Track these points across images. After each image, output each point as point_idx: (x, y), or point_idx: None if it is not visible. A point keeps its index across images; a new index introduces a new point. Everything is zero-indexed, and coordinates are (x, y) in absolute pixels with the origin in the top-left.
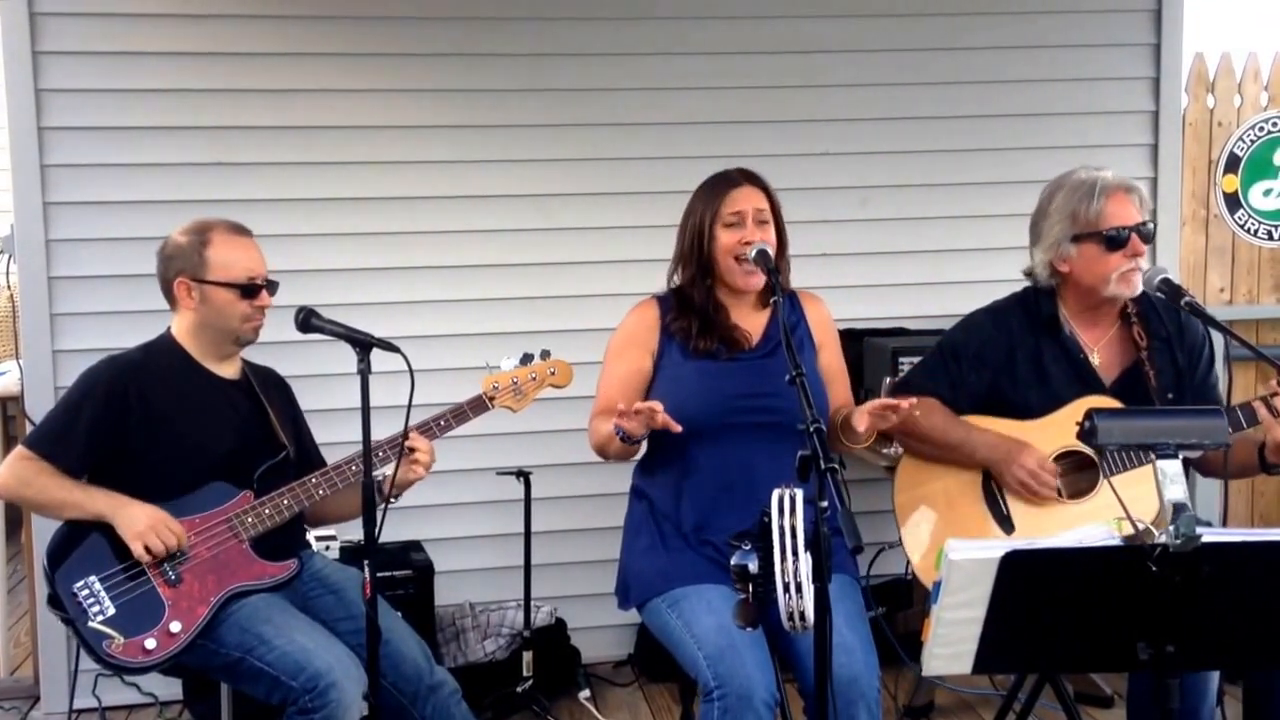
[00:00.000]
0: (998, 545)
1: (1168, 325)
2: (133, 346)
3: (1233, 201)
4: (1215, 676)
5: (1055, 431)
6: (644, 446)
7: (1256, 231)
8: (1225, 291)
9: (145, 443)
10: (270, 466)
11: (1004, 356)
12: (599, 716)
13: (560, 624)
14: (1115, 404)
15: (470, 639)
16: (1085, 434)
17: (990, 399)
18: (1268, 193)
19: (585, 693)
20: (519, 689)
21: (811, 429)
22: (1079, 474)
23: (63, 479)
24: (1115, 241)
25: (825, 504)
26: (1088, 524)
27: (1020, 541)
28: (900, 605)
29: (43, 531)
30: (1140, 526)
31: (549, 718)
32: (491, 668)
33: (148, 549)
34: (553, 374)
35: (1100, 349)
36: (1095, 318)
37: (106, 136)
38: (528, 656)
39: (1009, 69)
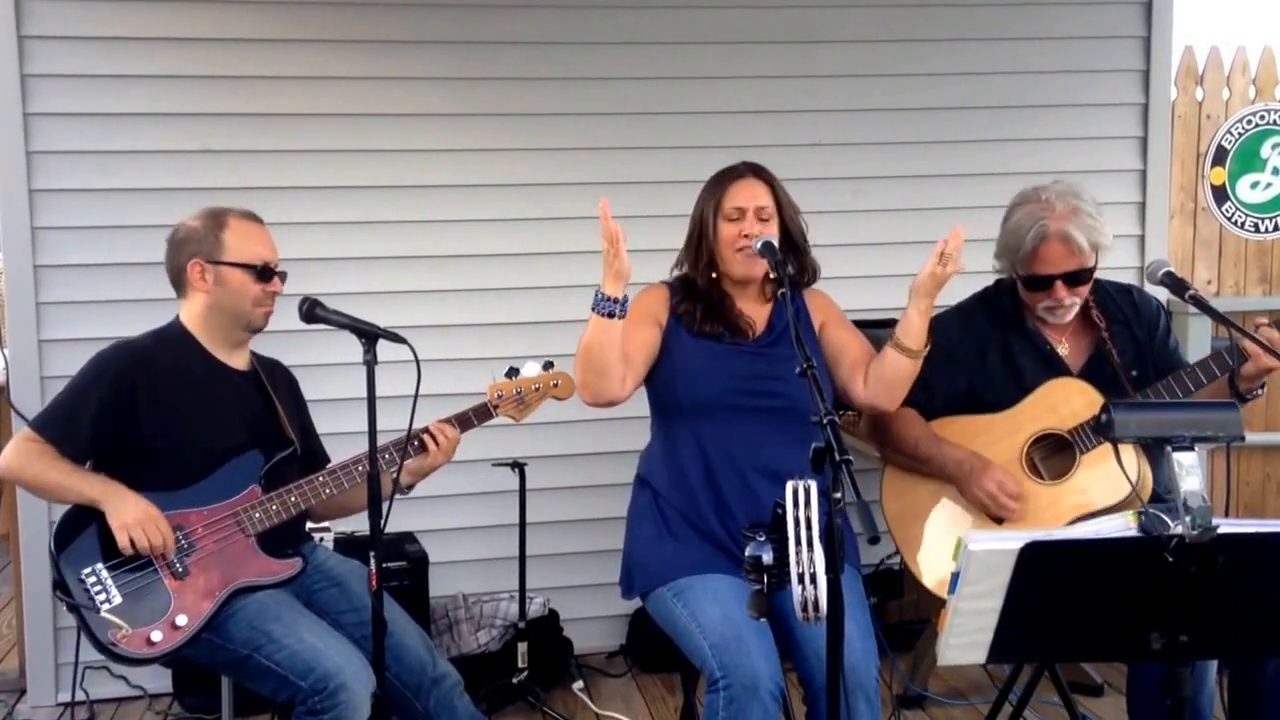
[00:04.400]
0: (1017, 536)
1: (1124, 307)
2: (142, 333)
3: (1220, 194)
4: (1214, 663)
5: (1027, 418)
6: (625, 311)
7: (1244, 224)
8: (1212, 284)
9: (152, 431)
10: (278, 461)
11: (975, 355)
12: (593, 707)
13: (553, 615)
14: (1082, 384)
15: (463, 630)
16: (1102, 427)
17: (967, 398)
18: (1255, 185)
19: (579, 684)
20: (514, 680)
21: (825, 421)
22: (1056, 456)
23: (63, 463)
24: (1036, 285)
25: (839, 495)
26: (1069, 504)
27: (1038, 533)
28: (891, 595)
29: (30, 518)
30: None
31: (544, 709)
32: (484, 659)
33: (132, 543)
34: (555, 386)
35: (1066, 339)
36: None
37: (93, 123)
38: (522, 648)
39: (1000, 61)
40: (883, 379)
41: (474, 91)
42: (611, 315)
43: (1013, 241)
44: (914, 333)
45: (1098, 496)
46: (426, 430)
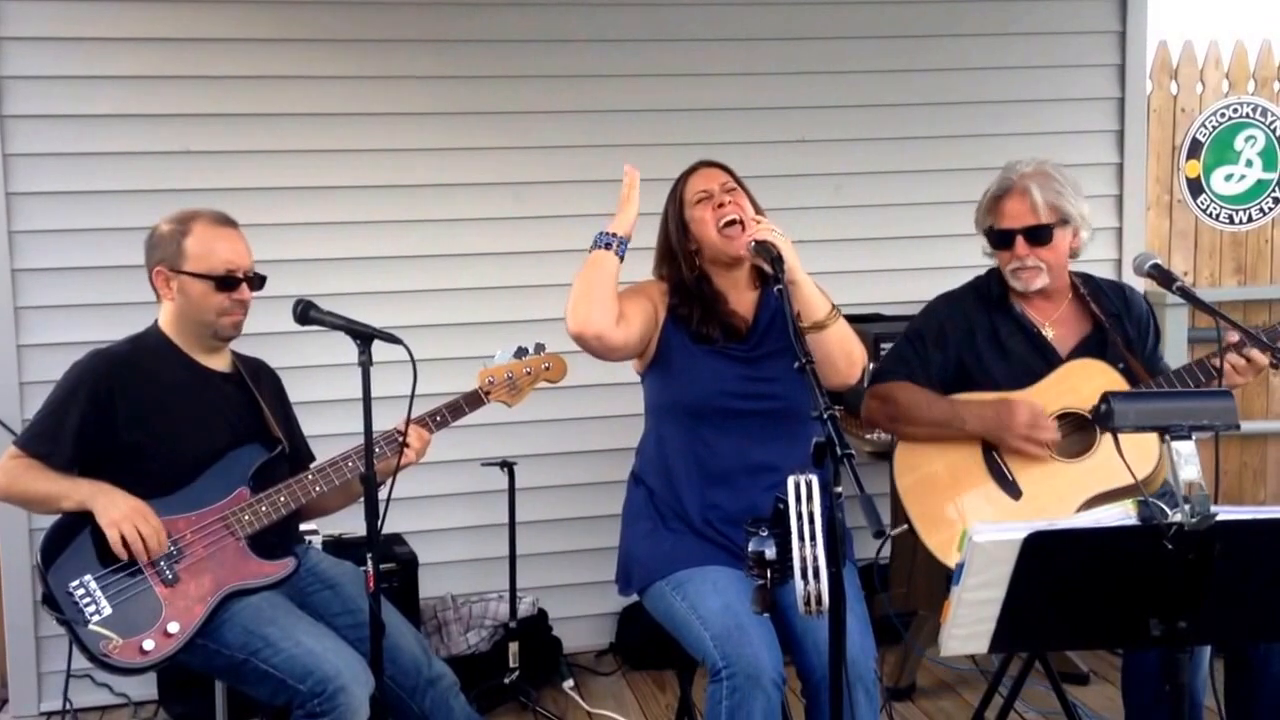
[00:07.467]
0: (1020, 527)
1: (1115, 302)
2: (120, 339)
3: (1195, 186)
4: (1207, 649)
5: (1047, 397)
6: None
7: (1218, 215)
8: (1189, 275)
9: (135, 438)
10: (266, 462)
11: (963, 334)
12: (585, 706)
13: (542, 614)
14: (1102, 364)
15: (453, 631)
16: (1101, 417)
17: (957, 376)
18: (1229, 177)
19: (569, 682)
20: (506, 680)
21: (825, 416)
22: (1077, 434)
23: (51, 472)
24: (999, 241)
25: (840, 489)
26: (1090, 480)
27: (1041, 523)
28: (876, 589)
29: (9, 527)
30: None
31: (536, 709)
32: (474, 660)
33: (123, 538)
34: (547, 369)
35: (1053, 323)
36: (1045, 294)
37: (70, 124)
38: (514, 647)
39: (979, 56)
40: (819, 362)
41: (458, 90)
42: (608, 246)
43: (982, 203)
44: (810, 309)
45: (1121, 472)
46: (402, 432)
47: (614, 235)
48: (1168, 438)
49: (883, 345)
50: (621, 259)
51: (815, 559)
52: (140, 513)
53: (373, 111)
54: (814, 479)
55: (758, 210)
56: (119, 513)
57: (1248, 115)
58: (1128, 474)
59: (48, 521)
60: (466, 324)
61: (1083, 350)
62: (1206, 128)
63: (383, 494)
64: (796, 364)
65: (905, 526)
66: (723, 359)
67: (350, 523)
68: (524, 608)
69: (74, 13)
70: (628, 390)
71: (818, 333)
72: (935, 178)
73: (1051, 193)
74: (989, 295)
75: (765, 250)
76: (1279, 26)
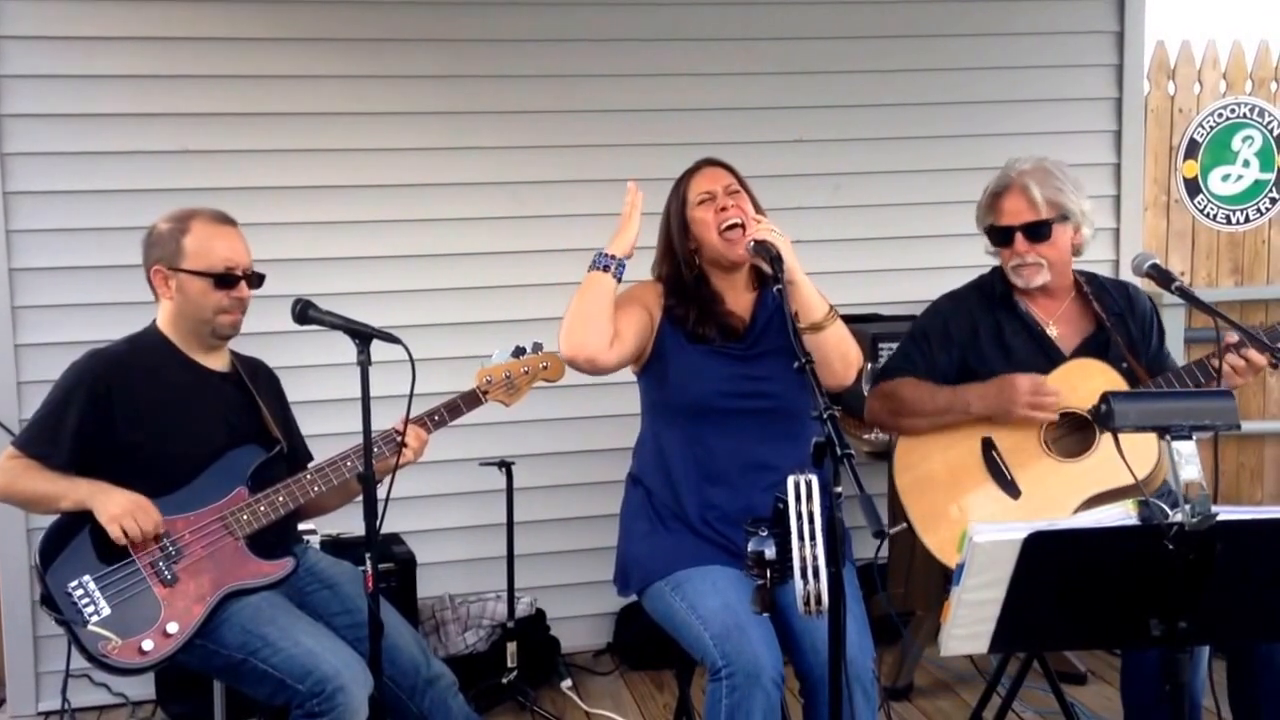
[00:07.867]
0: (1020, 527)
1: (1119, 301)
2: (118, 339)
3: (1193, 186)
4: (1207, 649)
5: None
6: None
7: (1215, 216)
8: (1186, 275)
9: (133, 438)
10: (264, 462)
11: (968, 333)
12: (583, 706)
13: (540, 614)
14: (1101, 364)
15: (450, 631)
16: (1101, 417)
17: (961, 376)
18: (1226, 178)
19: (567, 682)
20: (504, 680)
21: (825, 415)
22: (1076, 434)
23: (49, 473)
24: (999, 238)
25: (839, 489)
26: (1089, 480)
27: (1041, 523)
28: (872, 590)
29: (6, 526)
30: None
31: (534, 709)
32: (472, 659)
33: (125, 532)
34: (545, 368)
35: (1056, 321)
36: (1048, 292)
37: (68, 124)
38: (511, 647)
39: (977, 56)
40: (816, 363)
41: (458, 90)
42: (606, 269)
43: (981, 200)
44: (808, 310)
45: (1118, 473)
46: (400, 432)
47: (612, 257)
48: (1168, 438)
49: (880, 345)
50: (619, 280)
51: (815, 559)
52: (140, 506)
53: (371, 111)
54: (814, 479)
55: (758, 210)
56: (118, 508)
57: (1245, 115)
58: (1127, 474)
59: (46, 522)
60: (464, 323)
61: (1086, 349)
62: (1204, 128)
63: (381, 493)
64: (796, 364)
65: (904, 525)
66: (719, 358)
67: (348, 522)
68: (522, 607)
69: (73, 12)
70: (625, 390)
71: (815, 334)
72: (933, 178)
73: (1050, 189)
74: (993, 294)
75: (764, 250)
76: (1276, 26)
